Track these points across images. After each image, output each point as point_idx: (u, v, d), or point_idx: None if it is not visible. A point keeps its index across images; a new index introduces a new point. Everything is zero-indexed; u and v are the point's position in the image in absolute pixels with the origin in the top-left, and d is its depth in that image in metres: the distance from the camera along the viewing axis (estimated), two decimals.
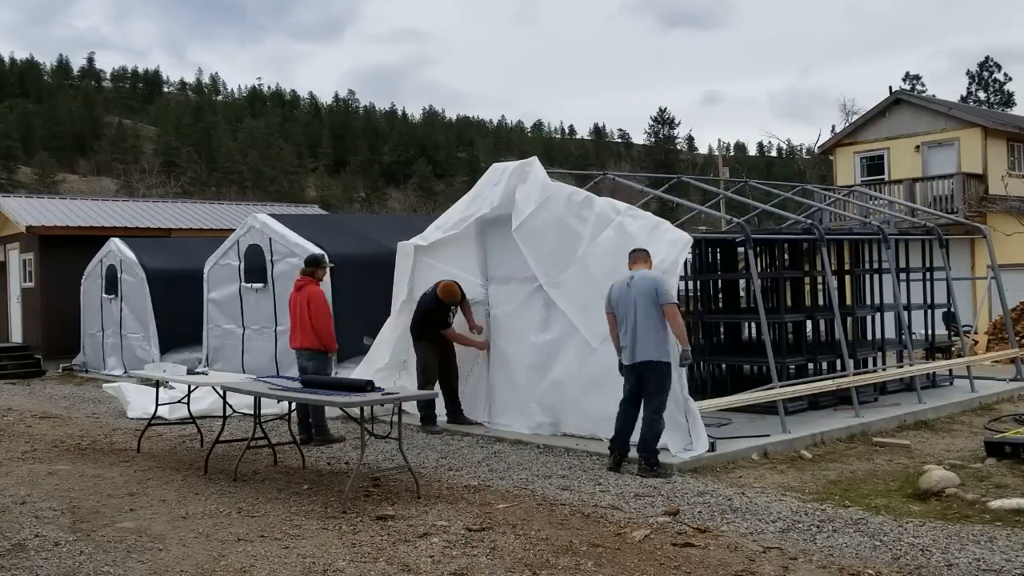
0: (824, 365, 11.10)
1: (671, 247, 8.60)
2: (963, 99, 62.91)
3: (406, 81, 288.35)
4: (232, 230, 16.57)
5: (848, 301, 12.36)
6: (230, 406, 8.81)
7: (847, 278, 12.64)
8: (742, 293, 13.36)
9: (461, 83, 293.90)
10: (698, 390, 10.30)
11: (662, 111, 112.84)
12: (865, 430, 9.69)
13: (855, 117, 37.67)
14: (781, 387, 9.57)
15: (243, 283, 15.10)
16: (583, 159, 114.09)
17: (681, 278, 9.81)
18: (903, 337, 11.88)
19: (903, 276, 12.70)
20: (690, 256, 11.76)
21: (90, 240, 19.69)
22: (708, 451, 8.27)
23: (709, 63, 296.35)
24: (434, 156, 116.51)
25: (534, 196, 9.74)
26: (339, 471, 8.41)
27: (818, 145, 38.15)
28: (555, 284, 9.50)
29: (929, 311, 13.15)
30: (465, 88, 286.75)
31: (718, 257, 12.39)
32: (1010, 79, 70.22)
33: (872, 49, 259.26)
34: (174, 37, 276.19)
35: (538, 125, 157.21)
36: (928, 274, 13.13)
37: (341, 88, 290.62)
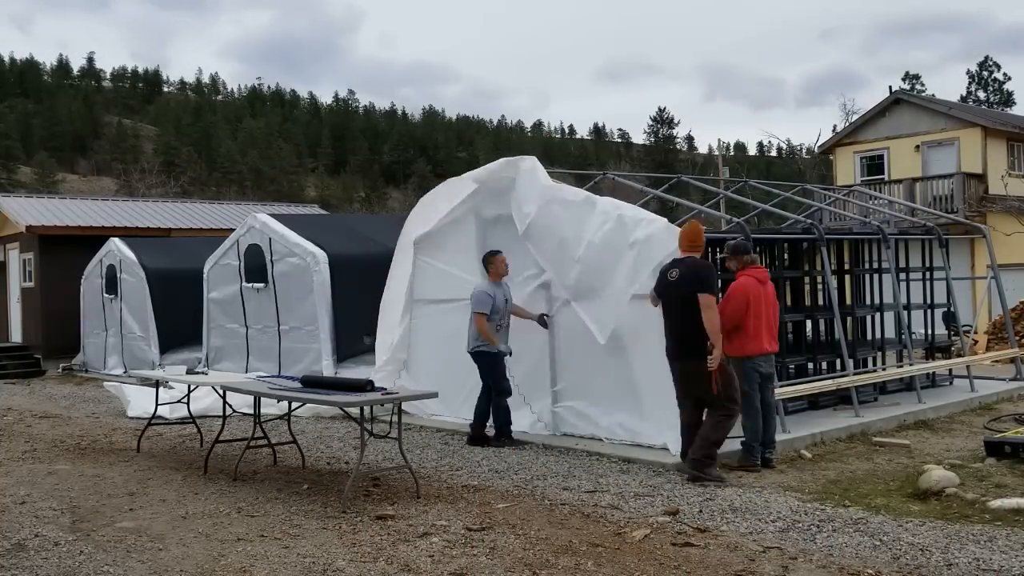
0: (824, 365, 11.10)
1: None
2: (963, 99, 62.93)
3: (309, 58, 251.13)
4: (232, 230, 16.57)
5: (848, 301, 12.36)
6: (230, 406, 8.82)
7: (847, 278, 12.64)
8: None
9: (379, 55, 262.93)
10: None
11: (662, 111, 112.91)
12: (865, 430, 9.70)
13: (855, 117, 37.72)
14: (781, 387, 9.56)
15: (244, 283, 15.12)
16: (583, 159, 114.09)
17: None
18: (903, 337, 11.87)
19: (903, 276, 12.70)
20: None
21: (90, 240, 19.70)
22: None
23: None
24: (434, 156, 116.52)
25: (534, 198, 9.73)
26: (339, 471, 8.41)
27: (818, 145, 38.18)
28: (568, 288, 9.47)
29: (929, 311, 13.15)
30: (380, 62, 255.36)
31: (718, 257, 12.37)
32: (1009, 78, 70.36)
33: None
34: (12, 6, 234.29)
35: (538, 125, 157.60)
36: (928, 274, 13.13)
37: (230, 69, 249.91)
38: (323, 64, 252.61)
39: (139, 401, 12.37)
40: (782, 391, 9.52)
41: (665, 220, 8.89)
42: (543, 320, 9.60)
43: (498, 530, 6.20)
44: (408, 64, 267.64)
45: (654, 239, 8.63)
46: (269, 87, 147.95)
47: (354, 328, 13.00)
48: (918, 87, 65.35)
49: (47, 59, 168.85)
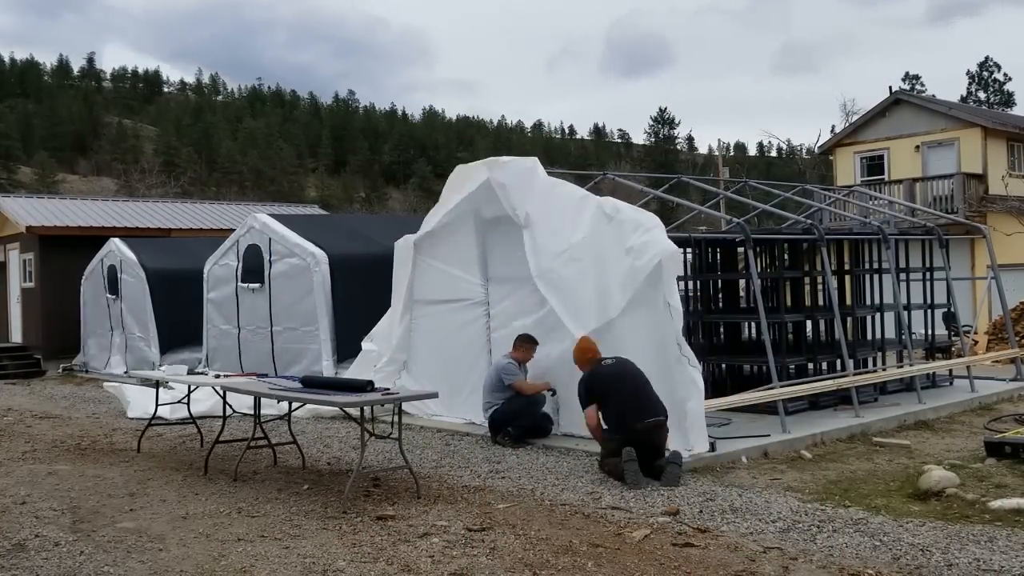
0: (824, 365, 11.10)
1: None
2: (963, 99, 62.98)
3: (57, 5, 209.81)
4: (232, 230, 16.59)
5: (848, 301, 12.36)
6: (230, 406, 8.82)
7: (847, 278, 12.64)
8: (742, 293, 13.36)
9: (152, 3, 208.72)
10: None
11: (662, 111, 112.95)
12: (865, 430, 9.69)
13: (855, 117, 37.72)
14: (781, 387, 9.57)
15: (239, 283, 15.11)
16: (583, 159, 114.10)
17: (681, 278, 9.82)
18: (903, 337, 11.87)
19: (903, 276, 12.70)
20: (690, 256, 11.78)
21: (90, 240, 19.70)
22: (708, 451, 8.27)
23: None
24: (434, 156, 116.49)
25: (534, 193, 9.77)
26: (339, 471, 8.41)
27: (818, 145, 38.19)
28: (544, 273, 9.49)
29: (929, 311, 13.14)
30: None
31: (718, 257, 12.39)
32: (1010, 79, 70.44)
33: None
34: None
35: (538, 125, 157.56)
36: (928, 274, 13.12)
37: None
38: (81, 15, 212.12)
39: (139, 401, 12.37)
40: (782, 391, 9.53)
41: (661, 225, 8.90)
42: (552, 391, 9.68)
43: (498, 530, 6.20)
44: (196, 8, 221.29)
45: (650, 245, 8.64)
46: (269, 87, 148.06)
47: (354, 328, 12.99)
48: (918, 87, 65.40)
49: (47, 59, 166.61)
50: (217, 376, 9.93)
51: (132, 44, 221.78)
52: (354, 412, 7.95)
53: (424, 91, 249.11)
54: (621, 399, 7.85)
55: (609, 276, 8.94)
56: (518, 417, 9.43)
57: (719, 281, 12.45)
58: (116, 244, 18.39)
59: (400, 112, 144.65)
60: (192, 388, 10.28)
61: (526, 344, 9.69)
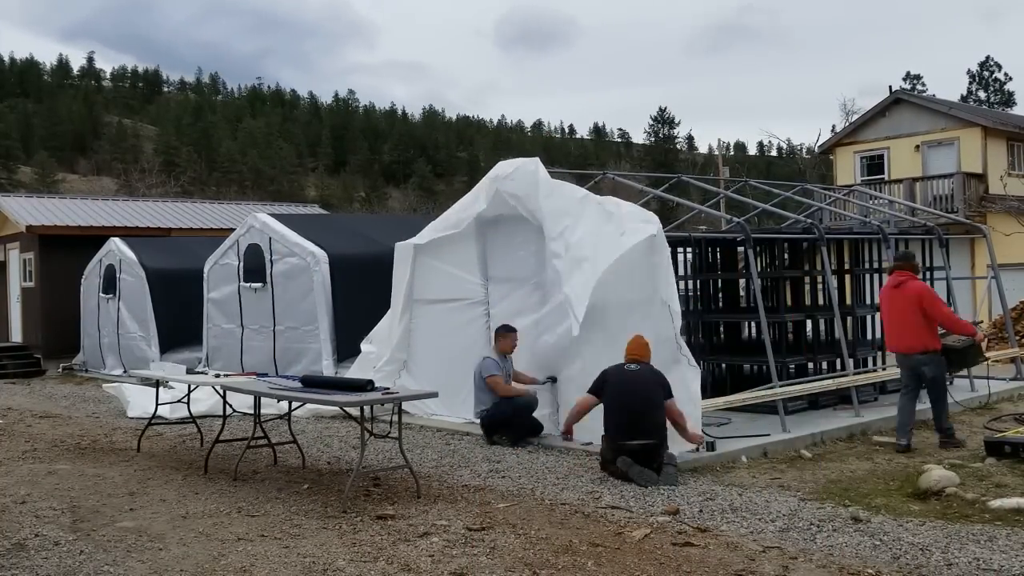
0: (824, 365, 11.10)
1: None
2: (963, 99, 62.98)
3: None
4: (232, 230, 16.59)
5: (848, 301, 12.36)
6: (230, 405, 8.82)
7: (847, 277, 12.64)
8: (742, 292, 13.36)
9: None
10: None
11: (662, 111, 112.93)
12: (865, 430, 9.70)
13: (855, 117, 37.73)
14: (781, 387, 9.58)
15: (242, 283, 15.11)
16: (583, 159, 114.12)
17: (681, 278, 9.83)
18: None
19: None
20: (690, 255, 11.79)
21: (90, 240, 19.70)
22: (708, 451, 8.28)
23: None
24: (434, 156, 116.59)
25: (541, 193, 9.80)
26: (339, 471, 8.41)
27: (818, 145, 38.21)
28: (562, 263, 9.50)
29: None
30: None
31: (718, 257, 12.39)
32: (1010, 79, 70.43)
33: None
34: None
35: (538, 125, 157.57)
36: (928, 274, 13.12)
37: None
38: None
39: (139, 401, 12.37)
40: (782, 391, 9.54)
41: (659, 222, 8.92)
42: (552, 379, 9.64)
43: (498, 530, 6.20)
44: None
45: (644, 229, 8.67)
46: (269, 87, 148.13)
47: (355, 328, 13.01)
48: (919, 87, 65.42)
49: (47, 59, 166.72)
50: (217, 375, 9.93)
51: (16, 21, 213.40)
52: (354, 412, 7.95)
53: (368, 74, 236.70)
54: (619, 413, 7.79)
55: (601, 259, 8.92)
56: (509, 423, 9.40)
57: (719, 281, 12.45)
58: (116, 244, 18.39)
59: (400, 112, 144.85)
60: (192, 388, 10.28)
61: (503, 334, 9.69)
